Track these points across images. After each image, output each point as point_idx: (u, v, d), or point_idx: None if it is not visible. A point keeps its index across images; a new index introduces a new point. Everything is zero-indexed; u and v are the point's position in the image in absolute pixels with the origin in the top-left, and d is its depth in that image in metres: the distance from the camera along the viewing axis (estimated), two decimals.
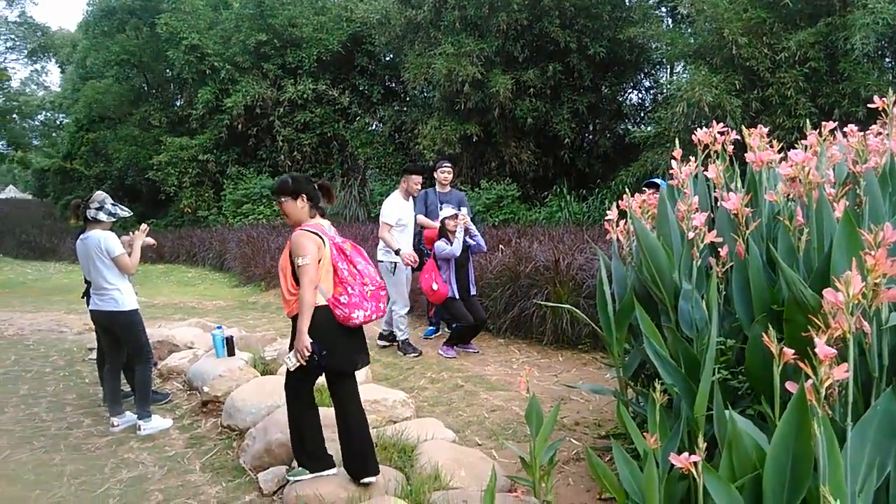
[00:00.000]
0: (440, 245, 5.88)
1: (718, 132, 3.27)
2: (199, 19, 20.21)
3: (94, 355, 6.38)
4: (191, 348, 6.00)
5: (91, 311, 4.56)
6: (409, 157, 19.02)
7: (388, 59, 20.13)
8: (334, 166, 19.70)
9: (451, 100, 15.98)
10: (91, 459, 4.01)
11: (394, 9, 16.91)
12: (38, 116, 31.95)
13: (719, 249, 2.95)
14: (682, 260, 3.05)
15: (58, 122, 30.51)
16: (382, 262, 6.14)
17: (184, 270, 14.66)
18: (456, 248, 5.82)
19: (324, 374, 3.33)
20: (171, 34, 19.36)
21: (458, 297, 5.91)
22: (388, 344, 6.45)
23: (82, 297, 4.88)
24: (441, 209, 6.31)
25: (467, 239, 5.98)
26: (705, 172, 3.25)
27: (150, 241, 4.91)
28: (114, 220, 4.56)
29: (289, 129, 19.25)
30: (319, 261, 3.12)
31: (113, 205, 4.55)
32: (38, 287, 12.95)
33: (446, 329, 6.78)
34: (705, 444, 2.03)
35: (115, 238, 4.47)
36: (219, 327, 5.51)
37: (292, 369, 3.11)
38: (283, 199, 3.22)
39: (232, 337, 5.30)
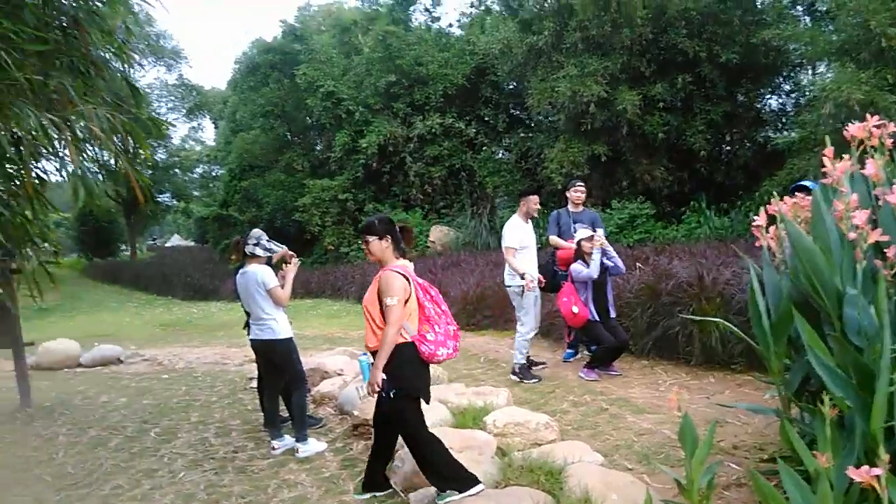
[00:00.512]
0: (577, 267, 5.80)
1: (874, 125, 3.01)
2: (333, 67, 21.55)
3: (254, 384, 6.84)
4: (340, 375, 6.30)
5: (251, 340, 4.93)
6: (536, 182, 18.92)
7: (511, 87, 20.38)
8: (464, 196, 20.06)
9: (577, 121, 15.85)
10: (255, 480, 4.28)
11: (515, 37, 17.16)
12: (197, 170, 35.22)
13: (885, 250, 2.70)
14: (844, 263, 2.82)
15: (213, 174, 33.45)
16: (510, 286, 6.13)
17: (329, 304, 15.43)
18: (593, 271, 5.72)
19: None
20: (308, 83, 20.78)
21: (598, 319, 5.80)
22: (521, 379, 6.14)
23: (244, 328, 5.28)
24: (574, 229, 6.25)
25: (604, 260, 5.86)
26: (862, 170, 3.00)
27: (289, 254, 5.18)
28: (269, 254, 4.92)
29: (419, 164, 19.90)
30: (406, 301, 3.29)
31: (268, 241, 4.92)
32: (203, 325, 14.14)
33: (585, 352, 6.66)
34: (888, 456, 1.85)
35: (271, 271, 4.82)
36: (364, 354, 5.72)
37: (361, 400, 3.22)
38: (369, 239, 3.44)
39: None
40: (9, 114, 2.58)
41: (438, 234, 18.92)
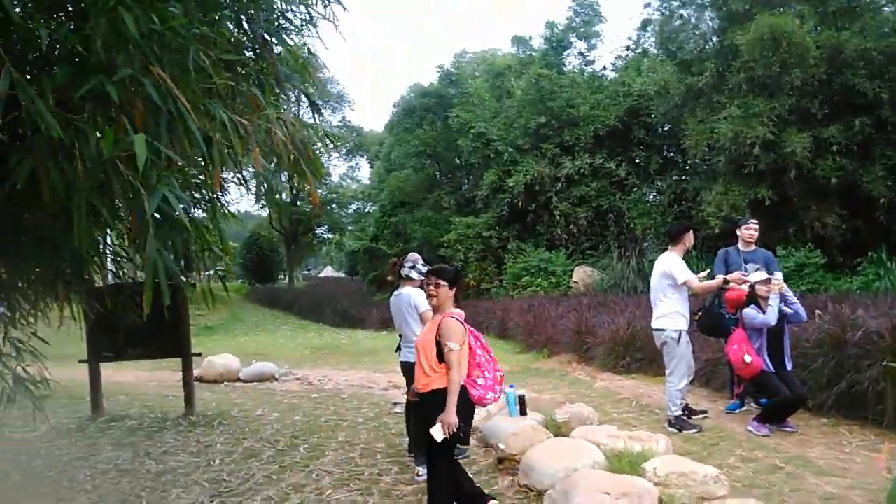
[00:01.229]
0: (751, 313, 5.31)
1: None
2: (485, 109, 22.05)
3: (399, 409, 6.91)
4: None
5: (401, 362, 4.94)
6: (690, 225, 18.12)
7: (665, 129, 19.75)
8: (610, 238, 19.52)
9: (739, 163, 15.12)
10: None
11: (672, 79, 16.77)
12: (351, 206, 37.19)
13: None
14: None
15: (366, 211, 35.16)
16: (664, 330, 5.65)
17: None
18: (770, 318, 5.21)
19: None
20: (461, 125, 21.36)
21: (772, 370, 5.26)
22: (678, 429, 5.58)
23: (396, 351, 5.32)
24: (745, 270, 5.78)
25: (783, 307, 5.34)
26: None
27: None
28: (423, 278, 4.94)
29: (565, 204, 19.67)
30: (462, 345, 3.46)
31: (423, 265, 4.96)
32: (350, 350, 14.61)
33: (752, 404, 6.06)
34: None
35: (423, 295, 4.81)
36: (511, 385, 5.58)
37: (439, 441, 3.36)
38: (441, 283, 3.62)
39: (524, 396, 5.32)
40: (202, 114, 2.77)
41: (582, 274, 18.50)
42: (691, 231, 5.88)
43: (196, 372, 9.49)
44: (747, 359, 5.19)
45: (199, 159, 3.24)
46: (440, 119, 23.23)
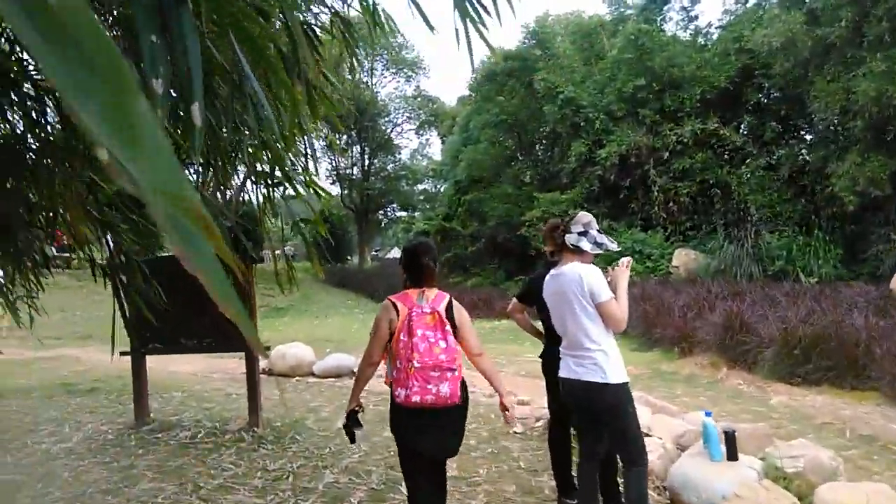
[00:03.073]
0: None
1: None
2: (573, 73, 20.05)
3: (518, 428, 5.34)
4: (648, 434, 4.46)
5: (563, 379, 3.26)
6: (813, 203, 15.97)
7: (783, 92, 17.33)
8: (715, 217, 17.34)
9: (881, 129, 13.03)
10: None
11: (800, 30, 14.50)
12: (420, 185, 35.73)
13: None
14: None
15: (437, 189, 33.65)
16: None
17: None
18: None
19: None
20: (547, 89, 19.44)
21: None
22: None
23: (540, 356, 3.74)
24: None
25: None
26: None
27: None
28: (599, 251, 3.27)
29: (665, 178, 17.66)
30: (393, 333, 2.85)
31: (599, 232, 3.28)
32: None
33: None
34: None
35: (602, 277, 3.13)
36: (708, 413, 3.85)
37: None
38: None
39: (734, 432, 3.60)
40: None
41: (684, 258, 16.50)
42: None
43: (263, 363, 8.22)
44: None
45: None
46: (523, 85, 21.23)
